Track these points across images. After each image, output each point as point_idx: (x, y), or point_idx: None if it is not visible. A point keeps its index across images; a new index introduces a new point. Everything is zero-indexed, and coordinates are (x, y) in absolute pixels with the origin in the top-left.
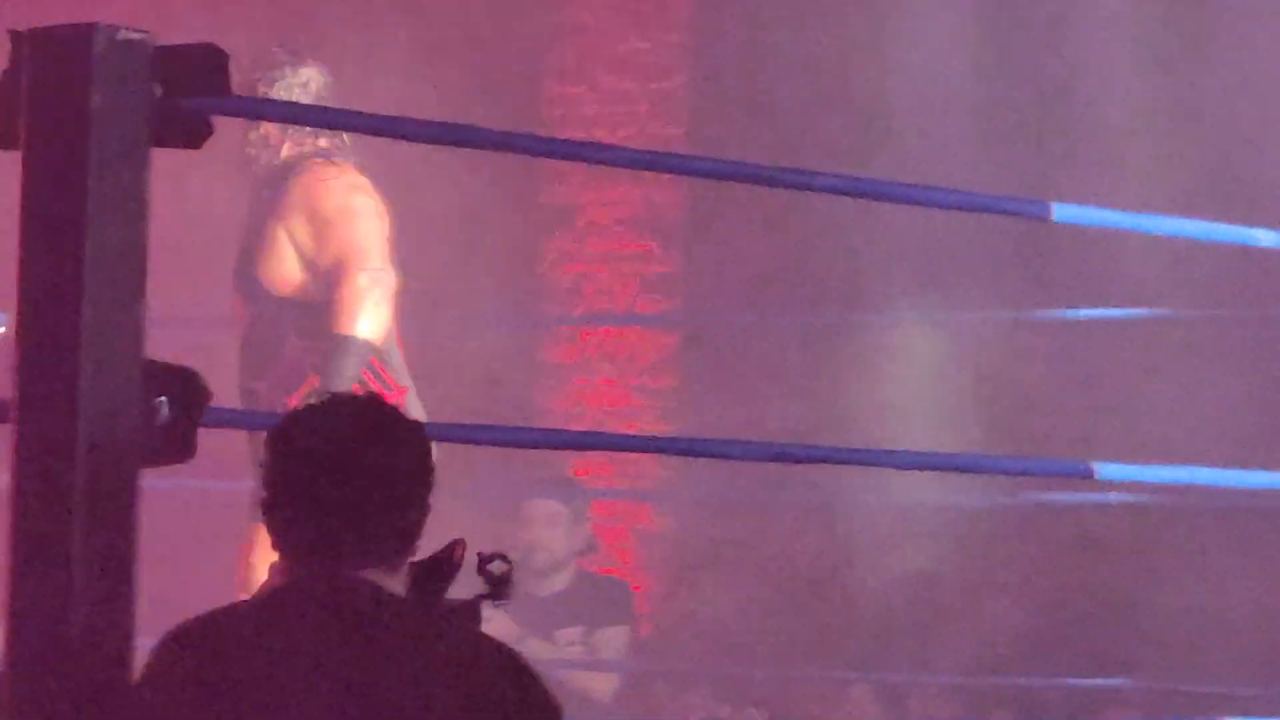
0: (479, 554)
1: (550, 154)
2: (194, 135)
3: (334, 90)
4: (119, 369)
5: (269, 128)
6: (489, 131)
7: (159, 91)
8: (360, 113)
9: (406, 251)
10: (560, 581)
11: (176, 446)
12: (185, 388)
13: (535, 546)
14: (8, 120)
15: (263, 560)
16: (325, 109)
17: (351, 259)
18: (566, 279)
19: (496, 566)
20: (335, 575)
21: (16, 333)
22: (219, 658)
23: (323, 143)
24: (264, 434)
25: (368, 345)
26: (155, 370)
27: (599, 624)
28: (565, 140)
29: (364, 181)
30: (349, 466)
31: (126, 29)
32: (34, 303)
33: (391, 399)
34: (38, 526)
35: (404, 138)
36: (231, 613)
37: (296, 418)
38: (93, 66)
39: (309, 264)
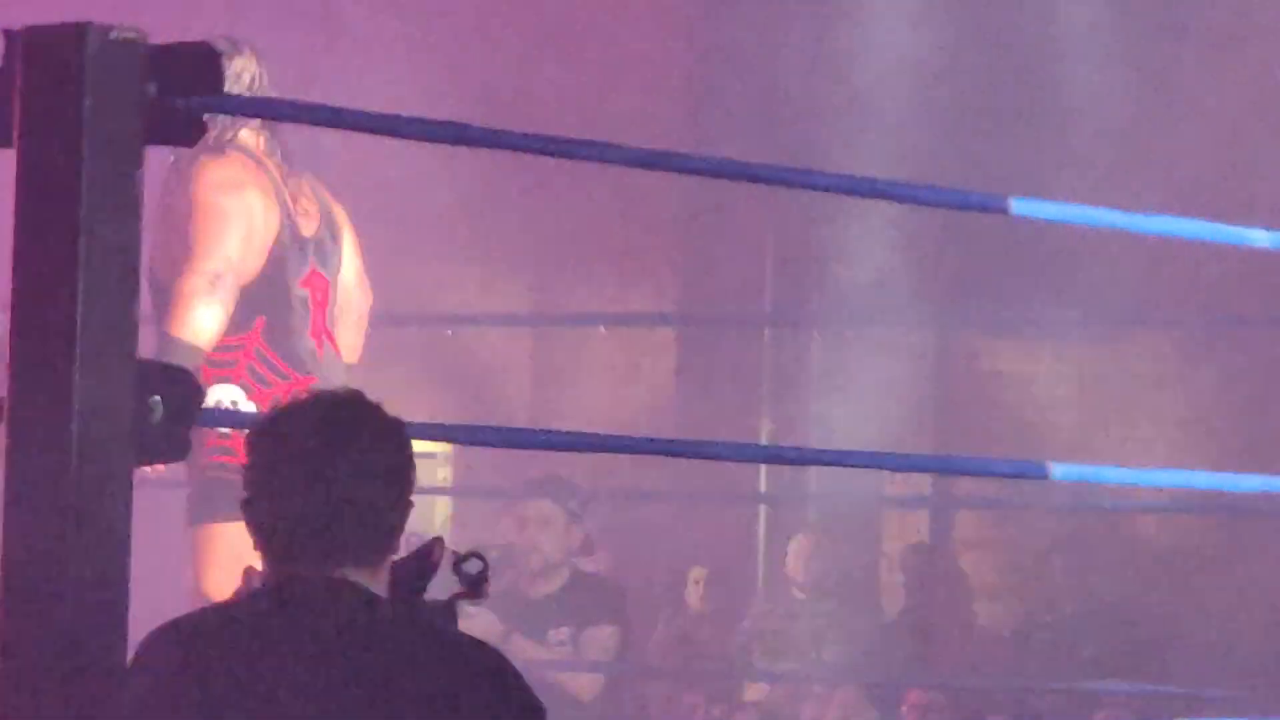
0: (454, 553)
1: (547, 153)
2: (187, 133)
3: (271, 82)
4: (112, 368)
5: None
6: (483, 130)
7: (152, 90)
8: (355, 111)
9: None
10: (555, 582)
11: (170, 446)
12: (178, 387)
13: (529, 547)
14: (1, 119)
15: (216, 564)
16: (321, 106)
17: (193, 256)
18: None
19: (472, 565)
20: (318, 577)
21: (10, 331)
22: (204, 658)
23: (242, 135)
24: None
25: (191, 347)
26: (148, 370)
27: (587, 624)
28: (563, 139)
29: (246, 177)
30: (331, 465)
31: (120, 28)
32: (28, 301)
33: (280, 389)
34: (32, 525)
35: (397, 135)
36: (217, 613)
37: (278, 415)
38: (85, 65)
39: (174, 257)
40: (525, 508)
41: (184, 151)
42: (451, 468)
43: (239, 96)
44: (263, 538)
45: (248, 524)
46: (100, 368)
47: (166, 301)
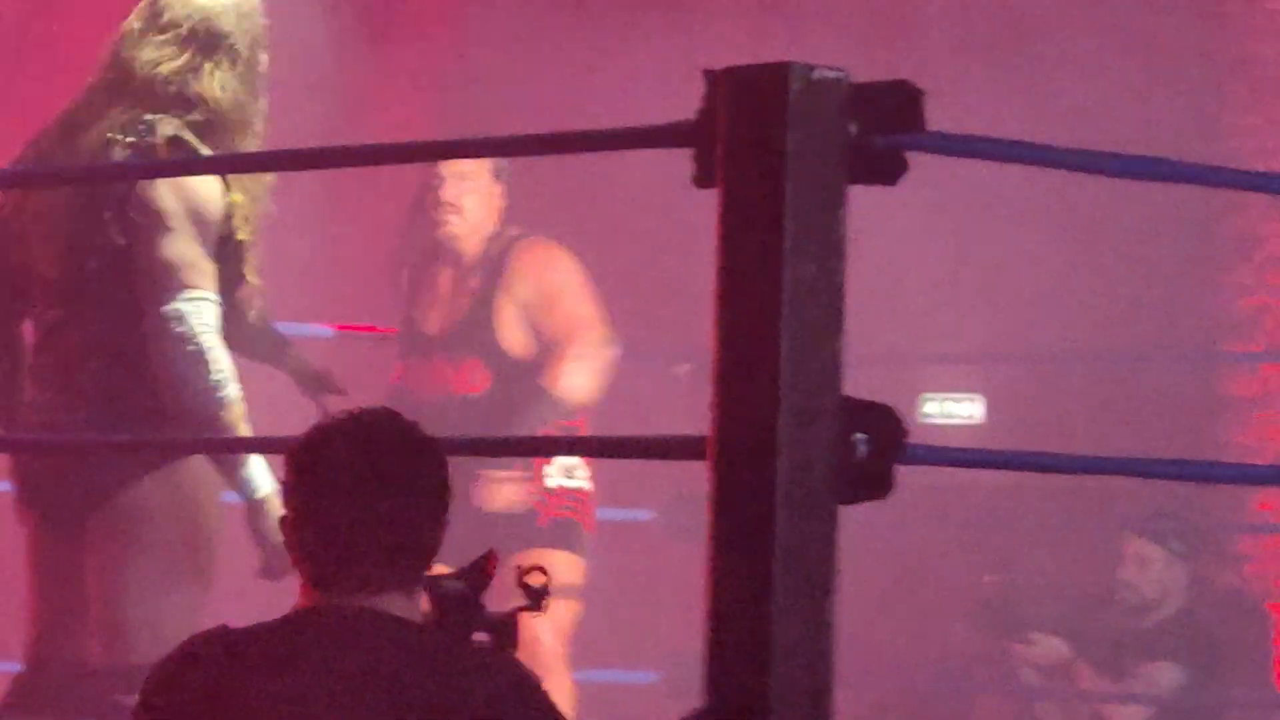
0: (518, 567)
1: (1228, 185)
2: (889, 172)
3: None
4: (816, 405)
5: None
6: (1171, 163)
7: (853, 129)
8: (1074, 150)
9: (1081, 280)
10: (1154, 619)
11: (873, 483)
12: (882, 424)
13: (1126, 584)
14: (705, 160)
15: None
16: (1031, 144)
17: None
18: (1245, 312)
19: (534, 579)
20: (348, 605)
21: (713, 370)
22: (222, 676)
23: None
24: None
25: (569, 404)
26: (853, 407)
27: (1155, 659)
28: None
29: None
30: (369, 484)
31: (821, 68)
32: (731, 339)
33: None
34: (737, 563)
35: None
36: (249, 633)
37: (316, 435)
38: (789, 105)
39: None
40: (1127, 544)
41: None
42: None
43: (940, 134)
44: (298, 559)
45: (286, 544)
46: (804, 405)
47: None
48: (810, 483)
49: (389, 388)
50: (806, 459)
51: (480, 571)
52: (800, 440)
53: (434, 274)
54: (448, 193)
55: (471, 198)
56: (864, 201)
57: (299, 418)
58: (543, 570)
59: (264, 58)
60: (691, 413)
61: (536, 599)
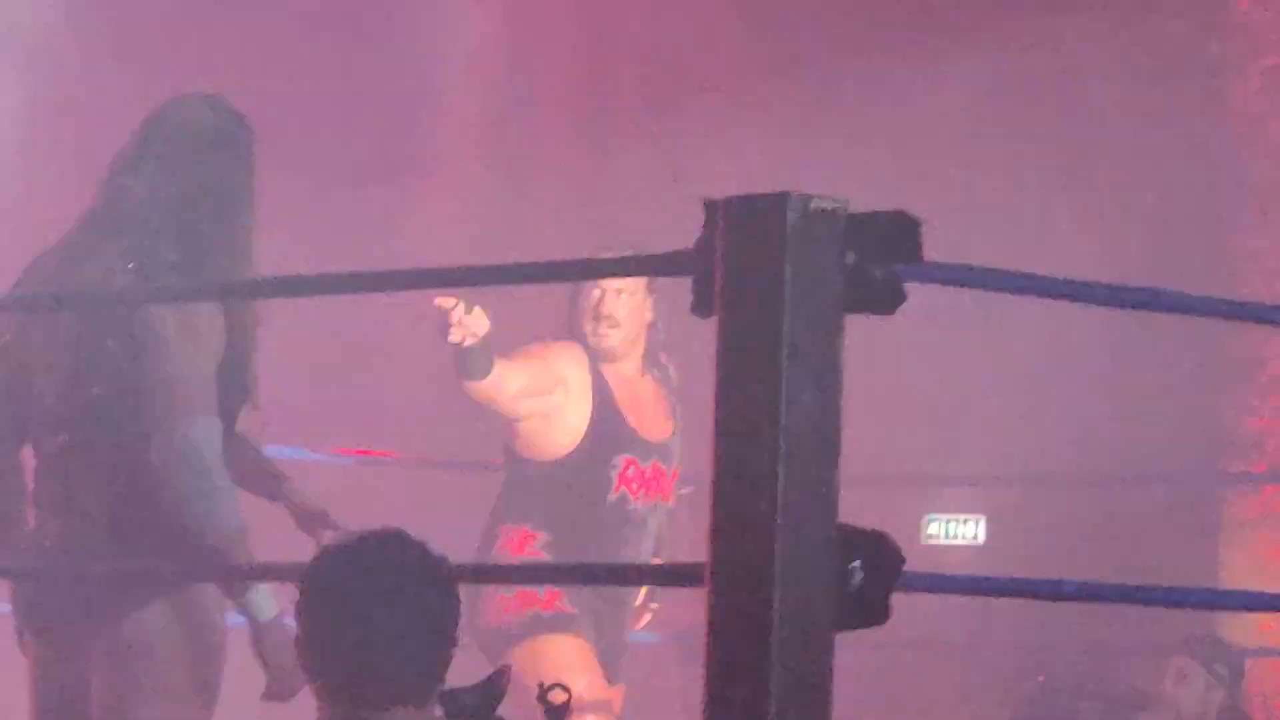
0: (539, 684)
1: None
2: (887, 302)
3: None
4: (813, 532)
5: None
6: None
7: (851, 258)
8: (1060, 280)
9: (1083, 400)
10: None
11: (870, 611)
12: (878, 552)
13: (1165, 699)
14: (703, 287)
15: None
16: (1025, 275)
17: None
18: (1249, 433)
19: (555, 695)
20: (356, 718)
21: (711, 496)
22: None
23: None
24: None
25: None
26: (848, 535)
27: None
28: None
29: None
30: (376, 607)
31: (819, 198)
32: (729, 464)
33: None
34: (735, 690)
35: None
36: None
37: (326, 556)
38: (786, 234)
39: None
40: (1172, 659)
41: None
42: None
43: (937, 264)
44: (310, 677)
45: (299, 661)
46: (801, 532)
47: None
48: (807, 611)
49: (608, 503)
50: (803, 587)
51: (494, 686)
52: (797, 568)
53: (618, 380)
54: (607, 306)
55: (626, 310)
56: (868, 322)
57: (301, 541)
58: (565, 688)
59: (254, 176)
60: (691, 537)
61: (556, 715)
